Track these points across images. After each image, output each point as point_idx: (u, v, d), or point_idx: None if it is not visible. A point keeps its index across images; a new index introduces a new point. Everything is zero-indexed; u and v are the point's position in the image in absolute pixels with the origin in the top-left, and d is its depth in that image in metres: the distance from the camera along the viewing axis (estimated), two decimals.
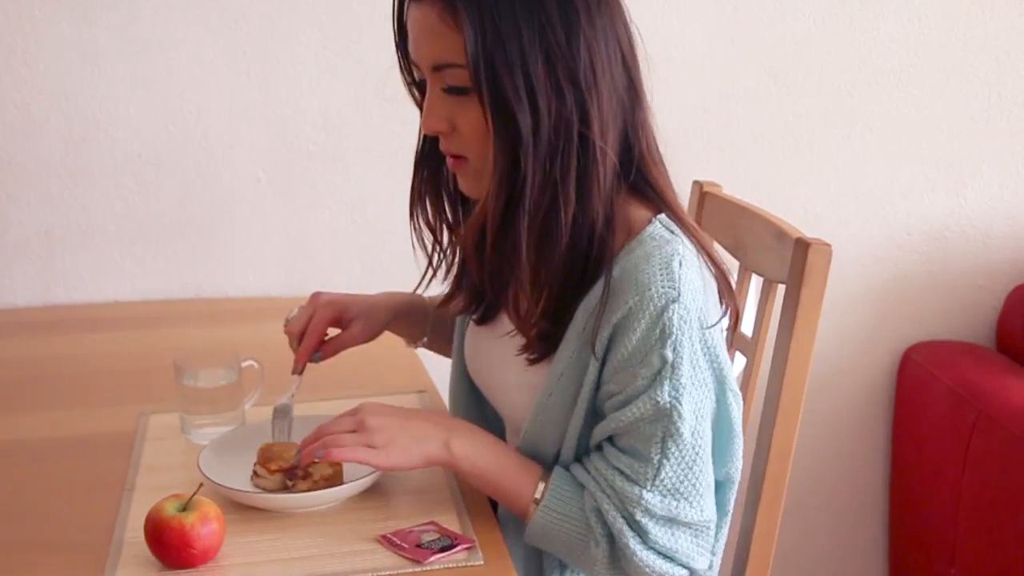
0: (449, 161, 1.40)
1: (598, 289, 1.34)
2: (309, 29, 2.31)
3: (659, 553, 1.35)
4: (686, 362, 1.31)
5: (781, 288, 1.59)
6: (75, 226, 2.33)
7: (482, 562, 1.32)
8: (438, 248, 1.51)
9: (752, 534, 1.59)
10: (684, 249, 1.33)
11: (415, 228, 1.50)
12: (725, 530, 1.50)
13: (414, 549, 1.33)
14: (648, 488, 1.33)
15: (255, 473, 1.47)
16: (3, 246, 2.32)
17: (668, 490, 1.33)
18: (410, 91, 1.46)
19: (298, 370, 1.60)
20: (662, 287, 1.30)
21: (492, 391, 1.57)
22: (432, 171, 1.48)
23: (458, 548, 1.33)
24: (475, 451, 1.39)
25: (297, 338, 1.61)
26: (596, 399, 1.38)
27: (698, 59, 2.45)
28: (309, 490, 1.43)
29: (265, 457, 1.47)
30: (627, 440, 1.35)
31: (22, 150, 2.28)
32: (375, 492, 1.47)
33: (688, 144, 2.44)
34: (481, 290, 1.50)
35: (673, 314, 1.29)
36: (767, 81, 2.49)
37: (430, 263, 1.53)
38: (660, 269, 1.31)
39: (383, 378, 1.88)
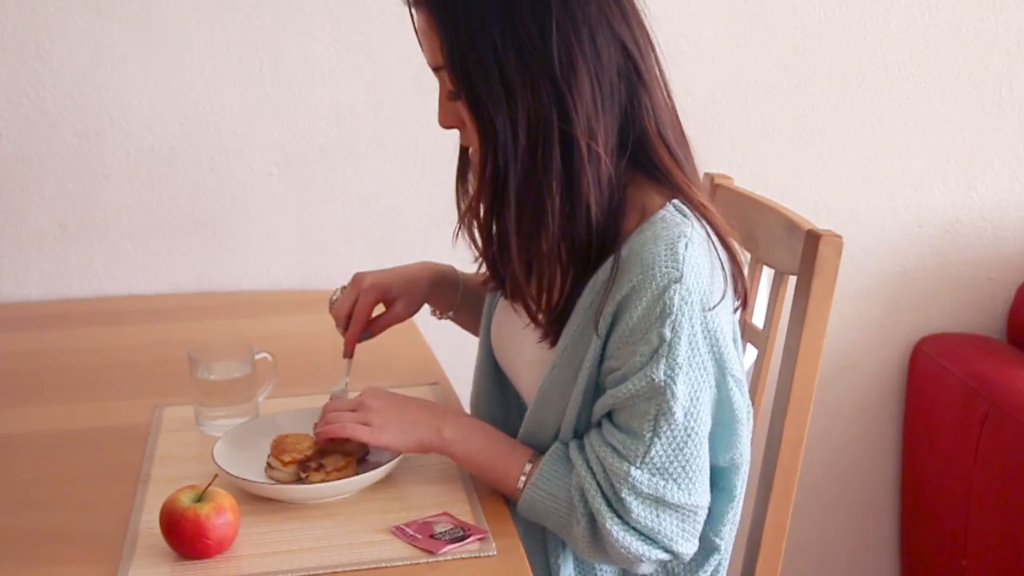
0: (470, 152, 1.46)
1: (606, 267, 1.36)
2: (321, 23, 2.32)
3: (640, 533, 1.35)
4: (684, 343, 1.32)
5: (792, 280, 1.59)
6: (89, 220, 2.34)
7: (495, 552, 1.33)
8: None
9: (764, 524, 1.60)
10: (692, 232, 1.34)
11: (465, 227, 1.51)
12: (734, 515, 1.50)
13: (427, 540, 1.34)
14: (637, 465, 1.34)
15: (269, 465, 1.48)
16: (18, 240, 2.33)
17: (656, 469, 1.34)
18: None
19: (348, 353, 1.68)
20: (665, 267, 1.31)
21: (510, 367, 1.59)
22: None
23: (471, 539, 1.34)
24: (464, 435, 1.44)
25: (343, 322, 1.67)
26: (599, 375, 1.39)
27: (708, 51, 2.45)
28: (323, 481, 1.43)
29: (279, 449, 1.48)
30: (623, 416, 1.36)
31: (36, 144, 2.29)
32: (388, 483, 1.48)
33: (699, 137, 2.42)
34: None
35: (675, 294, 1.30)
36: (778, 74, 2.49)
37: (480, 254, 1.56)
38: (666, 249, 1.31)
39: (396, 370, 1.88)
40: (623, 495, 1.34)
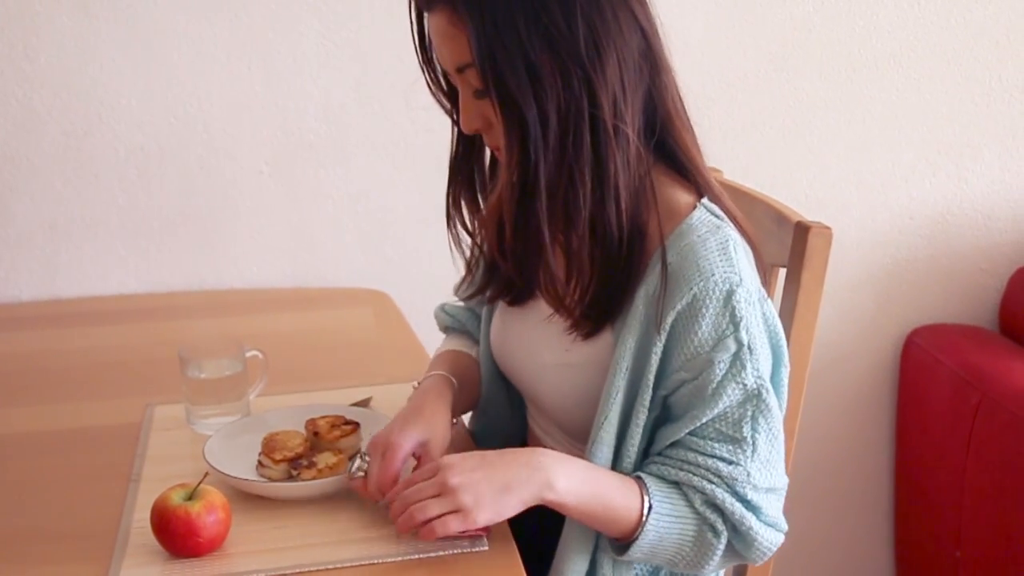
0: (497, 153, 1.42)
1: (655, 276, 1.34)
2: (309, 20, 2.31)
3: (768, 525, 1.36)
4: (758, 342, 1.33)
5: (783, 272, 1.59)
6: (78, 219, 2.34)
7: (487, 548, 1.33)
8: (477, 250, 1.51)
9: None
10: (732, 232, 1.36)
11: (452, 232, 1.50)
12: None
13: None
14: (750, 465, 1.33)
15: (260, 463, 1.47)
16: (7, 240, 2.33)
17: (764, 462, 1.35)
18: (437, 99, 1.47)
19: None
20: (725, 272, 1.31)
21: (524, 374, 1.55)
22: (467, 175, 1.49)
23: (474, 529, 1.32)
24: (579, 481, 1.32)
25: (388, 487, 1.37)
26: (660, 387, 1.36)
27: (698, 44, 2.45)
28: (314, 479, 1.43)
29: (270, 447, 1.48)
30: (713, 427, 1.34)
31: (25, 144, 2.29)
32: None
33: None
34: (511, 278, 1.49)
35: (740, 298, 1.31)
36: (767, 66, 2.49)
37: (468, 266, 1.53)
38: (719, 254, 1.32)
39: (388, 368, 1.88)
40: (749, 496, 1.34)
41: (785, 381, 1.42)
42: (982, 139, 2.61)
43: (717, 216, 1.37)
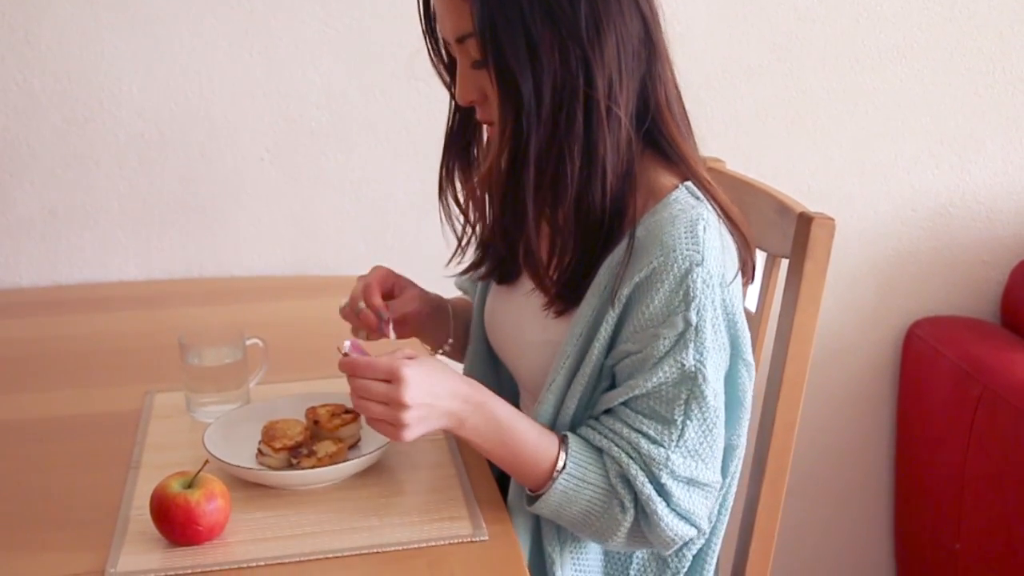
0: (487, 129, 1.44)
1: (621, 248, 1.35)
2: (311, 6, 2.30)
3: (679, 515, 1.35)
4: (708, 325, 1.33)
5: (785, 263, 1.59)
6: (79, 206, 2.33)
7: (487, 537, 1.33)
8: (468, 224, 1.52)
9: (757, 507, 1.60)
10: (708, 214, 1.35)
11: (444, 205, 1.52)
12: (729, 498, 1.50)
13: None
14: (673, 449, 1.33)
15: (260, 451, 1.47)
16: (8, 226, 2.32)
17: (690, 451, 1.34)
18: (438, 72, 1.50)
19: (387, 334, 1.58)
20: (687, 250, 1.31)
21: (509, 351, 1.57)
22: (460, 148, 1.52)
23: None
24: (487, 432, 1.36)
25: (356, 304, 1.56)
26: (607, 358, 1.38)
27: (701, 35, 2.44)
28: (314, 467, 1.43)
29: (269, 435, 1.48)
30: (647, 403, 1.35)
31: (26, 130, 2.28)
32: (379, 469, 1.48)
33: (691, 120, 2.43)
34: (502, 255, 1.52)
35: (697, 277, 1.31)
36: (770, 57, 2.48)
37: (459, 241, 1.54)
38: (686, 232, 1.32)
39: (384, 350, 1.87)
40: (663, 480, 1.33)
41: (744, 378, 1.42)
42: (985, 131, 2.60)
43: (697, 197, 1.38)
